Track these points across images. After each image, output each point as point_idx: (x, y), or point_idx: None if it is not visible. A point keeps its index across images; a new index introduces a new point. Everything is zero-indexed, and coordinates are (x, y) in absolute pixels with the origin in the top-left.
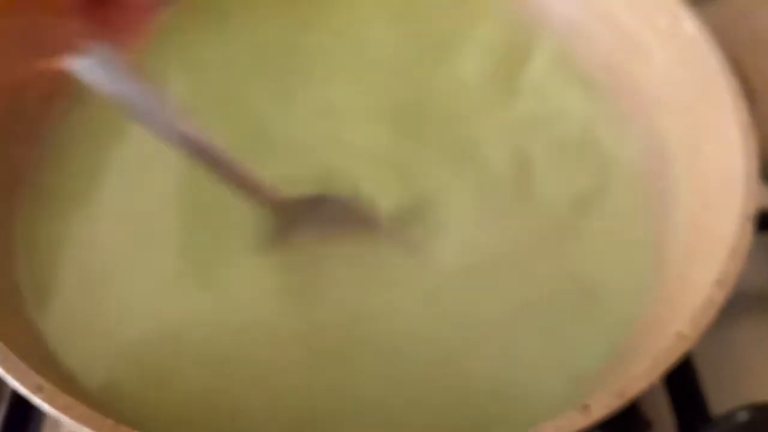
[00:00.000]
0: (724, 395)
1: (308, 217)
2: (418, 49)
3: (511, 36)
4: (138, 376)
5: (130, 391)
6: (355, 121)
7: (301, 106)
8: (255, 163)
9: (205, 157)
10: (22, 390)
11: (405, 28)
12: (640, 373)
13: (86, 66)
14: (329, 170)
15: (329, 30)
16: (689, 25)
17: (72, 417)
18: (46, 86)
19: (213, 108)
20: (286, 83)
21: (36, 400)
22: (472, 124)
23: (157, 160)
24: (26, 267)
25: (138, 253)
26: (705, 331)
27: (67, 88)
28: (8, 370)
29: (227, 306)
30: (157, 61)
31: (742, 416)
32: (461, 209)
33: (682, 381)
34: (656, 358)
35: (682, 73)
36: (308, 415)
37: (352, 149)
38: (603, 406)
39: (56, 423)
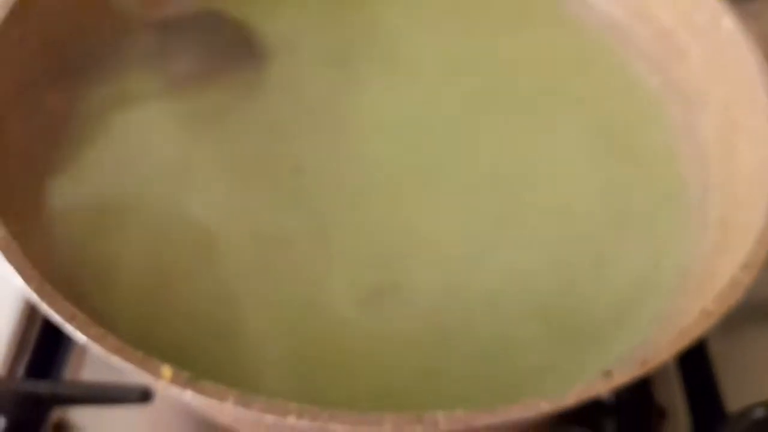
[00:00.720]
0: (740, 394)
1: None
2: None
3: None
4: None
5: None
6: None
7: None
8: None
9: None
10: (56, 317)
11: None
12: (663, 345)
13: None
14: None
15: None
16: (727, 21)
17: (103, 346)
18: None
19: None
20: None
21: (69, 328)
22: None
23: None
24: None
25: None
26: (730, 310)
27: None
28: (44, 297)
29: None
30: None
31: (759, 413)
32: None
33: (699, 377)
34: (680, 332)
35: (718, 70)
36: None
37: None
38: (624, 373)
39: (79, 361)
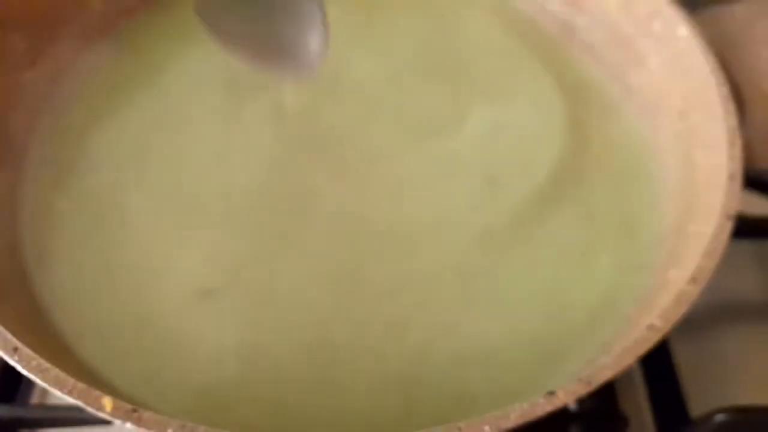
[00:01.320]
0: (704, 399)
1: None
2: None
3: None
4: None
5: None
6: None
7: None
8: None
9: None
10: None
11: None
12: (609, 362)
13: None
14: None
15: None
16: (683, 29)
17: (44, 380)
18: None
19: None
20: None
21: (11, 362)
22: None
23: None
24: (29, 231)
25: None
26: (676, 324)
27: None
28: None
29: None
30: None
31: (721, 418)
32: None
33: (663, 383)
34: (626, 348)
35: (675, 78)
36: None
37: None
38: (569, 392)
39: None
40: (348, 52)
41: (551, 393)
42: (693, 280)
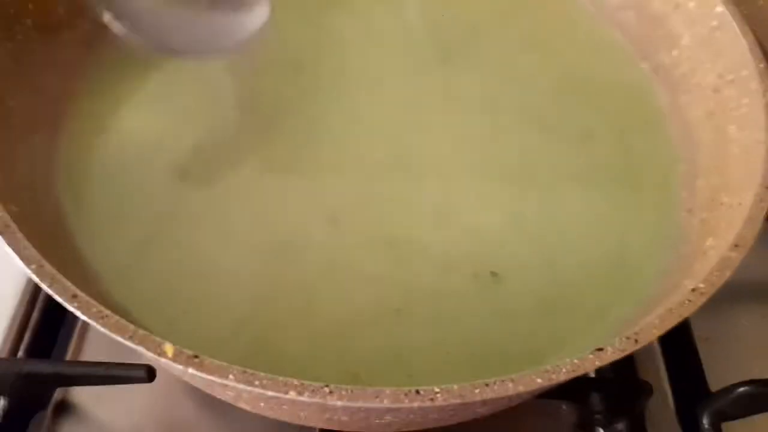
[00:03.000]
0: (720, 375)
1: None
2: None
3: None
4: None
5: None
6: None
7: None
8: None
9: None
10: (58, 298)
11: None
12: (655, 322)
13: None
14: None
15: None
16: (719, 7)
17: (104, 326)
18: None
19: None
20: None
21: (70, 308)
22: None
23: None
24: (65, 182)
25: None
26: (719, 289)
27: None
28: (43, 278)
29: None
30: None
31: (742, 390)
32: None
33: (682, 356)
34: (671, 309)
35: (709, 55)
36: None
37: None
38: (617, 349)
39: (81, 342)
40: None
41: (600, 349)
42: (735, 246)
